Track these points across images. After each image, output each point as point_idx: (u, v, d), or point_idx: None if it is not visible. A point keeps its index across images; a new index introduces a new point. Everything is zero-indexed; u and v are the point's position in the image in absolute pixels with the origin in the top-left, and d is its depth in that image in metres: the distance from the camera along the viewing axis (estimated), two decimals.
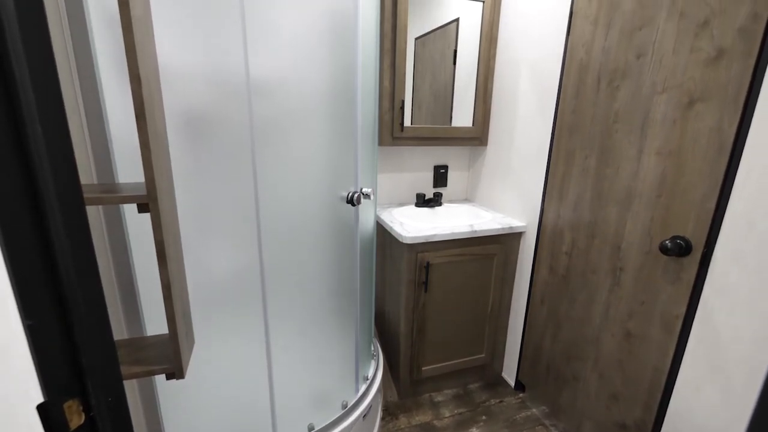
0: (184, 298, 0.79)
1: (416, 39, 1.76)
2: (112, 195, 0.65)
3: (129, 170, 0.88)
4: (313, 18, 1.05)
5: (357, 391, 1.43)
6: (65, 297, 0.37)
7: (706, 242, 0.98)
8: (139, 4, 0.62)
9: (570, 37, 1.37)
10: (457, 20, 1.78)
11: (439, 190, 2.12)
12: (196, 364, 0.90)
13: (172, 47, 0.87)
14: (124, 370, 0.69)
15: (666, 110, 1.06)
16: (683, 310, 1.05)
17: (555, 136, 1.49)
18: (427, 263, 1.58)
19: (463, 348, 1.81)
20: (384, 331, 1.94)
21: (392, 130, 1.76)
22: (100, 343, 0.41)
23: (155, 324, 0.98)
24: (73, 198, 0.38)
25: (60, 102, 0.37)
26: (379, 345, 1.74)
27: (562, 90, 1.43)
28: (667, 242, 1.04)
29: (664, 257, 1.09)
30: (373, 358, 1.61)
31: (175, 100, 0.89)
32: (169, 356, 0.74)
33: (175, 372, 0.73)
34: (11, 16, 0.36)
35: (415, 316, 1.65)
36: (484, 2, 1.74)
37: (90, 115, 0.82)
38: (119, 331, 0.95)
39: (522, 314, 1.76)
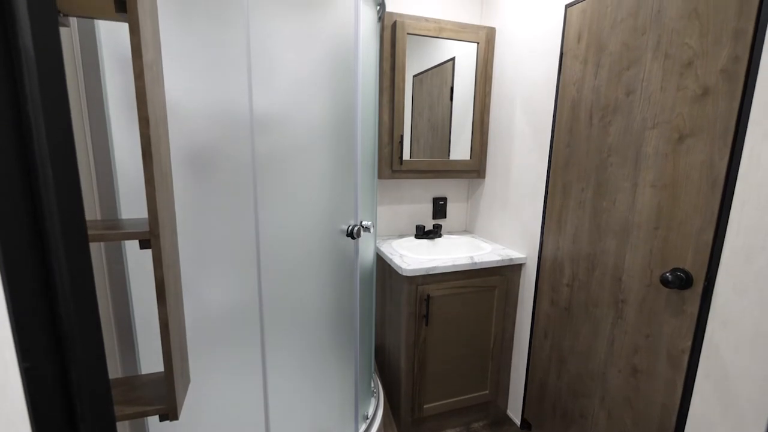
0: (181, 335, 0.78)
1: (414, 76, 1.83)
2: (115, 232, 0.65)
3: (132, 205, 0.90)
4: (315, 57, 1.10)
5: (356, 431, 1.37)
6: (64, 339, 0.37)
7: (707, 275, 0.98)
8: (151, 48, 0.66)
9: (561, 75, 1.43)
10: (453, 59, 1.86)
11: (438, 221, 2.13)
12: (190, 403, 0.87)
13: (180, 85, 0.91)
14: (117, 411, 0.67)
15: (657, 144, 1.09)
16: (689, 344, 1.03)
17: (551, 169, 1.52)
18: (428, 296, 1.56)
19: (466, 384, 1.75)
20: (384, 366, 1.89)
21: (391, 164, 1.80)
22: (95, 386, 0.40)
23: (150, 361, 0.96)
24: (78, 238, 0.39)
25: (71, 145, 0.39)
26: (379, 381, 1.69)
27: (556, 125, 1.48)
28: (667, 274, 1.04)
29: (666, 290, 1.08)
30: (373, 396, 1.56)
31: (180, 136, 0.92)
32: (164, 396, 0.72)
33: (169, 413, 0.70)
34: (31, 64, 0.38)
35: (416, 351, 1.61)
36: (478, 43, 1.83)
37: (98, 153, 0.84)
38: (114, 369, 0.93)
39: (525, 348, 1.72)
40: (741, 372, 0.91)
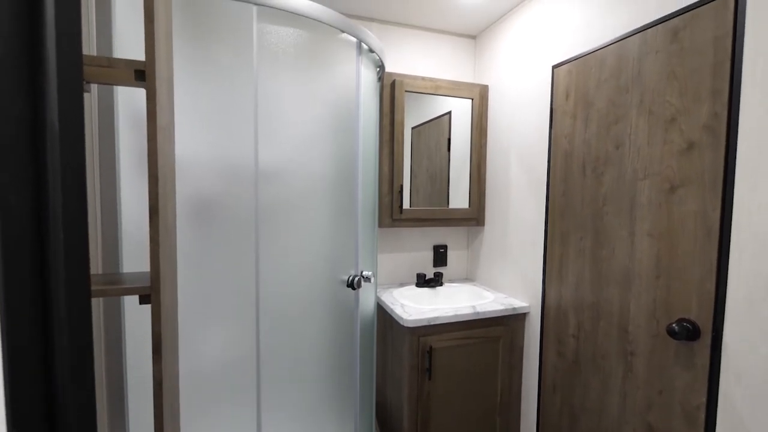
0: (174, 393, 0.75)
1: (413, 128, 1.92)
2: (116, 287, 0.65)
3: (134, 254, 0.90)
4: (319, 114, 1.16)
5: None
6: (56, 404, 0.36)
7: (714, 326, 0.96)
8: (166, 112, 0.70)
9: (553, 129, 1.50)
10: (449, 113, 1.95)
11: (439, 269, 2.12)
12: None
13: (190, 140, 0.95)
14: None
15: (650, 195, 1.12)
16: (703, 400, 0.99)
17: (548, 218, 1.54)
18: (430, 347, 1.52)
19: None
20: (385, 424, 1.79)
21: (391, 213, 1.83)
22: None
23: (139, 419, 0.92)
24: (80, 301, 0.39)
25: (84, 214, 0.40)
26: None
27: (550, 175, 1.52)
28: (674, 325, 1.02)
29: (674, 341, 1.05)
30: None
31: (186, 188, 0.94)
32: None
33: None
34: (54, 136, 0.40)
35: (419, 407, 1.53)
36: (472, 99, 1.93)
37: (105, 208, 0.87)
38: (102, 430, 0.88)
39: (534, 404, 1.63)
40: (762, 429, 0.86)
